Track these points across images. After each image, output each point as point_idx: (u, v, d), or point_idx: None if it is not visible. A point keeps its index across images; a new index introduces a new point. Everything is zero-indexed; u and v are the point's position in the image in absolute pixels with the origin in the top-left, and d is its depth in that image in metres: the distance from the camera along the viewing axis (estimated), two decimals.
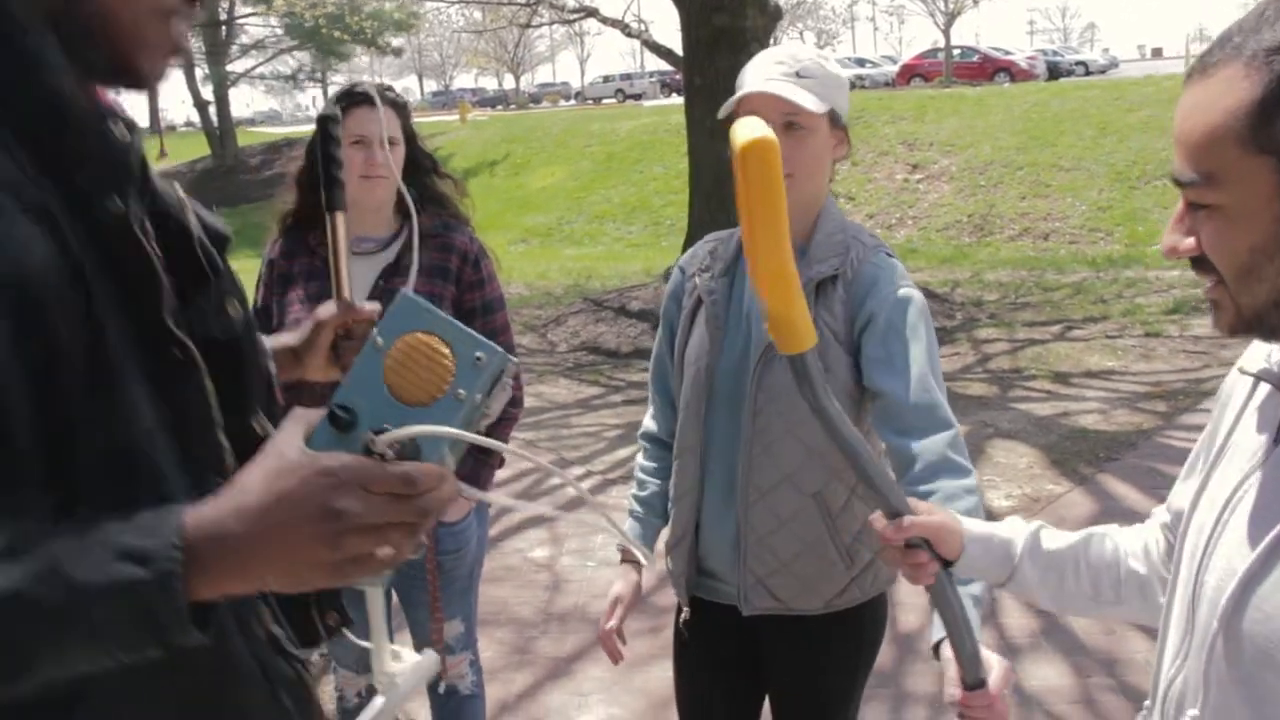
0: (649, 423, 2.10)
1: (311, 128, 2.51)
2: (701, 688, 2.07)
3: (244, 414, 1.02)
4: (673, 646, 2.09)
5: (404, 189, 1.64)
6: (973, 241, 12.06)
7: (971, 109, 16.09)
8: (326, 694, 2.62)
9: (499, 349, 0.90)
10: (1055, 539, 1.31)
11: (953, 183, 13.65)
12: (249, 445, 0.95)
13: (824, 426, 1.16)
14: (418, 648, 1.39)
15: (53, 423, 0.82)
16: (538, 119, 24.55)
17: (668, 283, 2.05)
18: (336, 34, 23.07)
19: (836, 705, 1.96)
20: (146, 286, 0.90)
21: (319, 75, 38.43)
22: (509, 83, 60.33)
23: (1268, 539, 0.95)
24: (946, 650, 1.38)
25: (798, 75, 1.73)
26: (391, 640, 1.08)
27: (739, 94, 1.75)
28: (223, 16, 27.93)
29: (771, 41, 9.10)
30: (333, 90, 2.71)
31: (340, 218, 1.48)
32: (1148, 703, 1.15)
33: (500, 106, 49.57)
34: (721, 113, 1.79)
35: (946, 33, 36.04)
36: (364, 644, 1.07)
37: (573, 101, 51.97)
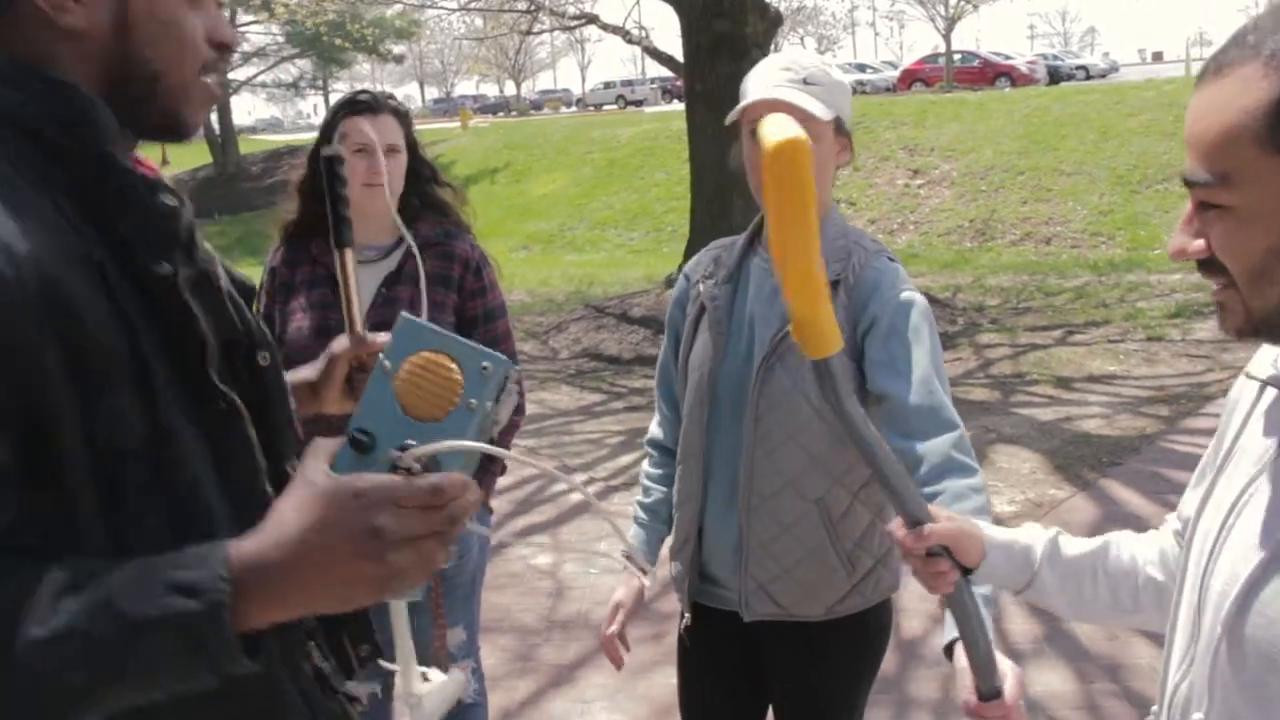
0: (654, 429, 2.10)
1: (314, 135, 2.52)
2: (704, 694, 2.07)
3: (278, 461, 1.06)
4: (676, 653, 2.09)
5: (398, 218, 1.65)
6: (974, 246, 12.05)
7: (972, 114, 16.10)
8: None
9: (503, 357, 0.93)
10: (1074, 546, 1.30)
11: (954, 188, 13.65)
12: (284, 489, 1.00)
13: (848, 432, 1.15)
14: (420, 656, 1.40)
15: (108, 468, 0.87)
16: (539, 126, 24.58)
17: (672, 289, 2.05)
18: (338, 41, 23.09)
19: (839, 712, 1.96)
20: (191, 343, 0.95)
21: (320, 83, 38.53)
22: (510, 89, 60.44)
23: (1272, 543, 0.95)
24: (961, 654, 1.37)
25: (804, 82, 1.73)
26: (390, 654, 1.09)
27: (745, 101, 1.75)
28: None
29: (772, 47, 9.11)
30: (334, 98, 2.71)
31: (350, 255, 1.51)
32: (1155, 708, 1.14)
33: (501, 113, 49.65)
34: (727, 120, 1.79)
35: (947, 38, 36.06)
36: (391, 666, 1.09)
37: (574, 108, 52.04)
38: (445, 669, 1.46)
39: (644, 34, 12.46)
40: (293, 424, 1.13)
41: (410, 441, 0.88)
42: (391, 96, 2.42)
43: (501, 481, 2.62)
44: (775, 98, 1.71)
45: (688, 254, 9.43)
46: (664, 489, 2.05)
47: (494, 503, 2.76)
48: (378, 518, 0.82)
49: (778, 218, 1.07)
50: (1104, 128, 14.40)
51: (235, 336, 1.03)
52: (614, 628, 1.96)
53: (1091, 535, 1.34)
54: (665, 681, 3.31)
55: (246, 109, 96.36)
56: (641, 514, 2.06)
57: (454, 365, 0.92)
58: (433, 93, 78.36)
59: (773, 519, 1.82)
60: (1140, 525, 1.36)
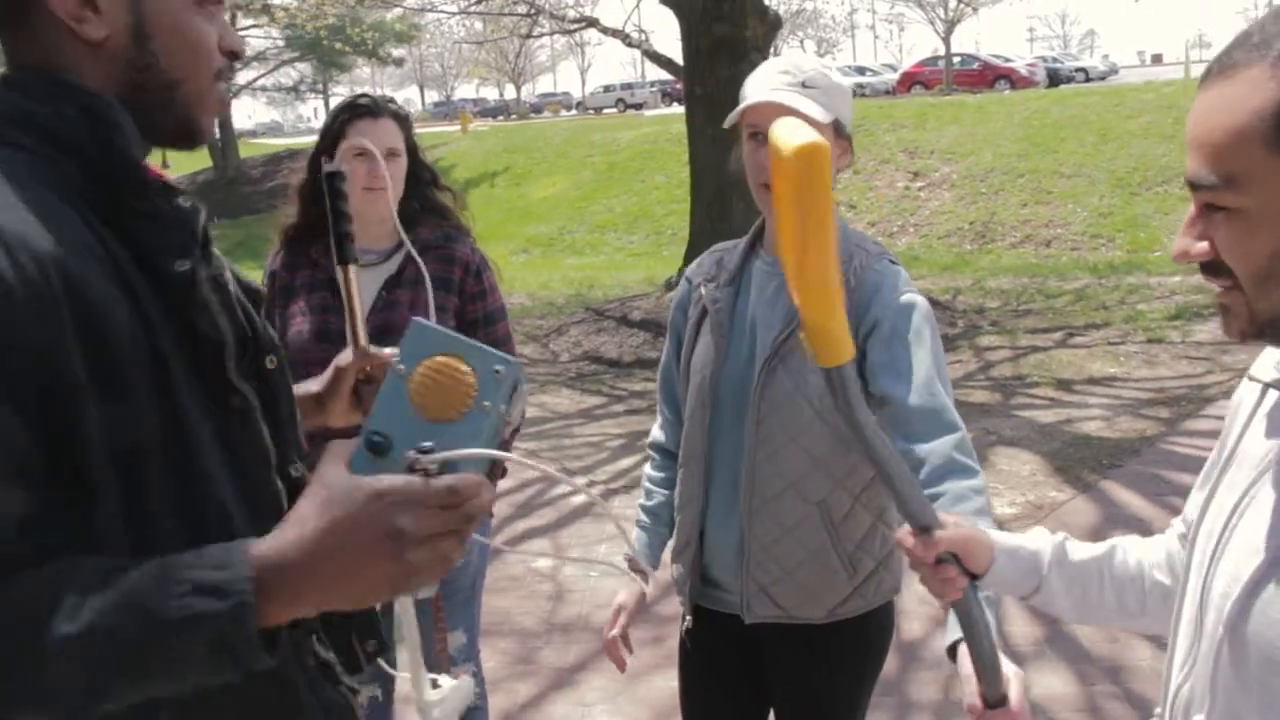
0: (657, 433, 2.11)
1: (313, 139, 2.52)
2: (705, 697, 2.06)
3: (284, 463, 1.08)
4: (678, 656, 2.09)
5: (398, 223, 1.65)
6: (974, 249, 12.06)
7: (972, 116, 16.11)
8: None
9: (514, 359, 0.96)
10: (1080, 550, 1.30)
11: (954, 190, 13.66)
12: (290, 490, 1.04)
13: (859, 440, 1.14)
14: (410, 662, 1.41)
15: (128, 467, 0.89)
16: (539, 129, 24.59)
17: (674, 292, 2.05)
18: (338, 45, 23.12)
19: (841, 714, 1.95)
20: (208, 340, 0.97)
21: (320, 86, 38.56)
22: (510, 93, 60.45)
23: (1274, 545, 0.95)
24: (964, 657, 1.37)
25: (803, 85, 1.73)
26: (392, 658, 1.10)
27: (744, 104, 1.75)
28: None
29: (772, 50, 9.12)
30: (334, 101, 2.71)
31: (353, 270, 1.53)
32: (1158, 710, 1.14)
33: (501, 117, 49.68)
34: (726, 124, 1.80)
35: (947, 40, 36.10)
36: (403, 674, 1.10)
37: (574, 111, 52.05)
38: (446, 673, 1.47)
39: (644, 37, 12.47)
40: (298, 429, 1.15)
41: (427, 443, 0.89)
42: (391, 100, 2.42)
43: (502, 485, 2.62)
44: (772, 100, 1.72)
45: (688, 257, 9.44)
46: (666, 492, 2.05)
47: (494, 506, 2.77)
48: (399, 518, 0.85)
49: (797, 223, 1.04)
50: (1104, 130, 14.41)
51: (244, 339, 1.04)
52: (616, 631, 1.96)
53: (1092, 537, 1.34)
54: (665, 684, 3.31)
55: (246, 113, 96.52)
56: (644, 517, 2.06)
57: (467, 368, 0.95)
58: (433, 96, 78.41)
59: (774, 521, 1.82)
60: (1141, 527, 1.36)
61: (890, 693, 3.27)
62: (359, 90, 2.64)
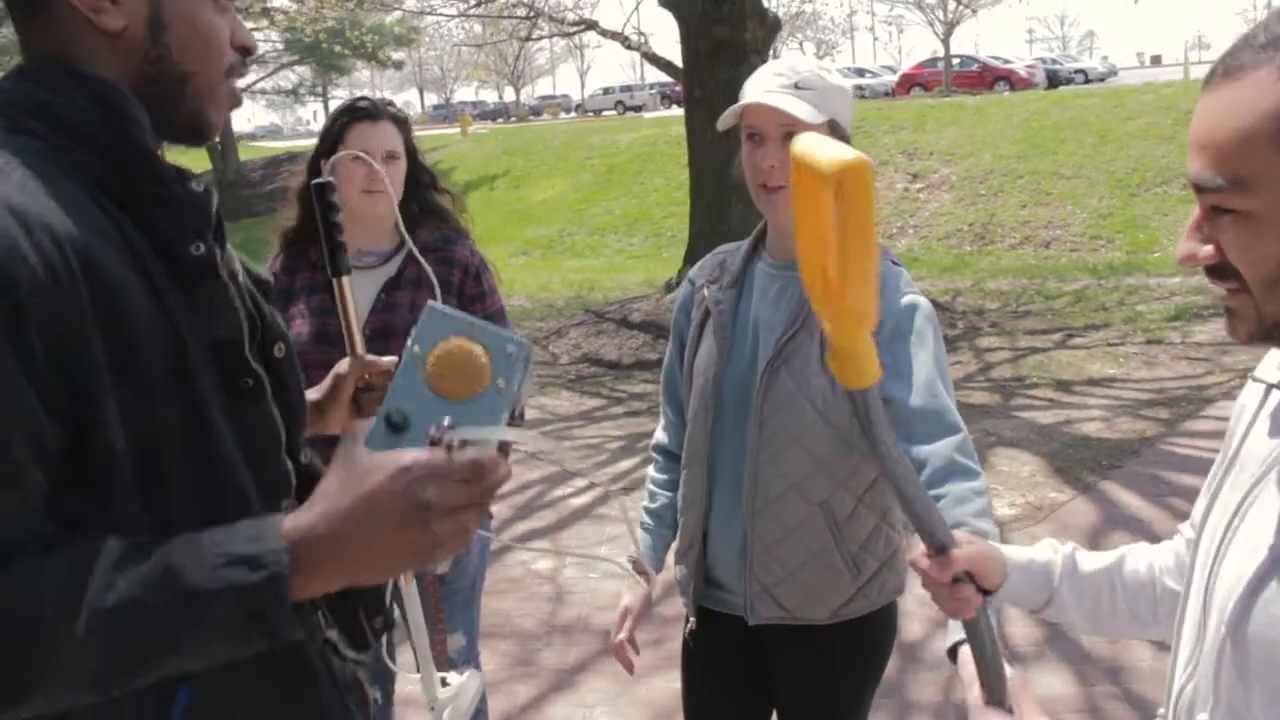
0: (660, 435, 2.11)
1: (313, 141, 2.52)
2: (708, 699, 2.06)
3: (293, 445, 1.10)
4: (680, 657, 2.09)
5: (401, 224, 1.66)
6: (974, 250, 12.06)
7: (971, 118, 16.12)
8: None
9: (523, 339, 0.99)
10: (1091, 561, 1.29)
11: (953, 191, 13.67)
12: (300, 474, 1.06)
13: (876, 459, 1.10)
14: (419, 662, 1.41)
15: (146, 451, 0.91)
16: (538, 131, 24.61)
17: (675, 294, 2.05)
18: (337, 49, 23.16)
19: (843, 715, 1.95)
20: (223, 322, 0.99)
21: (320, 89, 38.57)
22: (509, 95, 60.51)
23: (1277, 545, 0.95)
24: (966, 658, 1.36)
25: (795, 87, 1.74)
26: (393, 656, 1.10)
27: (736, 106, 1.76)
28: None
29: (771, 53, 9.13)
30: (334, 104, 2.72)
31: (347, 281, 1.53)
32: (1161, 710, 1.14)
33: (501, 119, 49.66)
34: (721, 125, 1.80)
35: (946, 42, 36.12)
36: (413, 676, 1.11)
37: (573, 114, 52.06)
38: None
39: (643, 40, 12.47)
40: (306, 413, 1.17)
41: (448, 420, 0.92)
42: (391, 103, 2.43)
43: (502, 486, 2.62)
44: (762, 102, 1.72)
45: (687, 259, 9.44)
46: (669, 494, 2.05)
47: (494, 507, 2.76)
48: (425, 490, 0.87)
49: (841, 246, 0.95)
50: (1103, 131, 14.42)
51: (254, 327, 1.06)
52: (624, 634, 1.96)
53: (1092, 538, 1.33)
54: (666, 686, 3.31)
55: (246, 115, 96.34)
56: (647, 519, 2.06)
57: (480, 349, 0.98)
58: (432, 99, 78.37)
59: (777, 522, 1.82)
60: (1140, 528, 1.36)
61: (891, 694, 3.27)
62: (358, 93, 2.64)
